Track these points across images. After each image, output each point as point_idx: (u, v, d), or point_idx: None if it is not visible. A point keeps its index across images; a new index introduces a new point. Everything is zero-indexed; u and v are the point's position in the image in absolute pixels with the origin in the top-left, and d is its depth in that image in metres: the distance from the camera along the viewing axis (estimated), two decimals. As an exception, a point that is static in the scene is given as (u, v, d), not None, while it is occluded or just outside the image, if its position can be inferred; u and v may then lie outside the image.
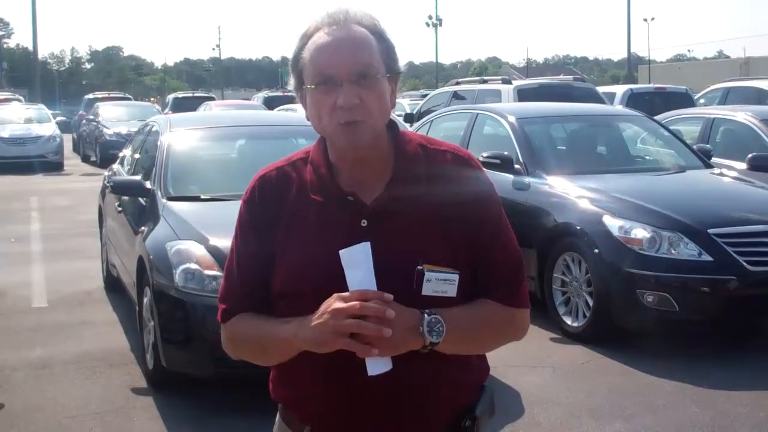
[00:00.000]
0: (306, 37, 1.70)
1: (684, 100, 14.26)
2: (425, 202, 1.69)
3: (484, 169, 1.78)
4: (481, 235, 1.72)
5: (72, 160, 23.10)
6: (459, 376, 1.74)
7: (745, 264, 5.49)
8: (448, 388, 1.72)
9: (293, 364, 1.72)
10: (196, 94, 31.31)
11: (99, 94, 31.17)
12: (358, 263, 1.59)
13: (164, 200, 5.53)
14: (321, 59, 1.65)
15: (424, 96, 20.56)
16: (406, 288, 1.63)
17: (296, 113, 10.88)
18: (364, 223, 1.67)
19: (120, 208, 6.40)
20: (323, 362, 1.65)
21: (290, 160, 1.81)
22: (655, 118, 8.75)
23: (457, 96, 13.99)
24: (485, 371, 1.84)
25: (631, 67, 54.24)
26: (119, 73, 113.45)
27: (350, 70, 1.63)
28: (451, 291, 1.65)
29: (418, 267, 1.63)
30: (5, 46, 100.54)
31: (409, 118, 15.31)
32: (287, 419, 1.80)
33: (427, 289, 1.63)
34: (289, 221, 1.73)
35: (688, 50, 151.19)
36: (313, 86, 1.66)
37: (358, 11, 1.71)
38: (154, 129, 6.77)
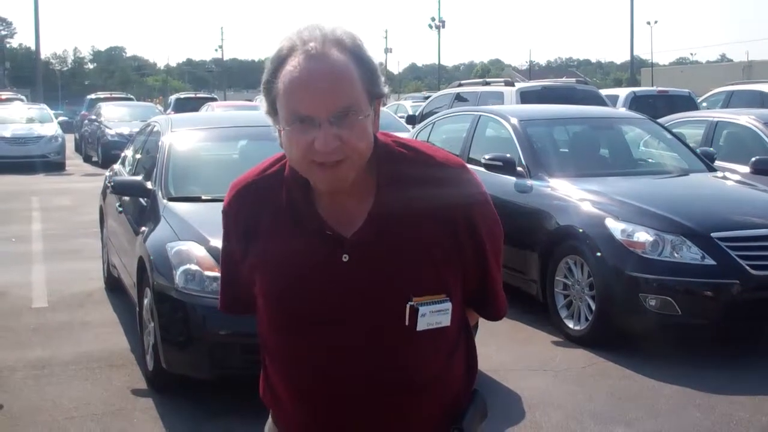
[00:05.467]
0: (279, 60, 1.50)
1: (687, 103, 14.23)
2: (411, 226, 1.57)
3: (480, 176, 1.70)
4: (474, 246, 1.64)
5: (74, 161, 23.13)
6: (439, 400, 1.68)
7: (747, 268, 5.47)
8: (426, 413, 1.65)
9: (274, 377, 1.72)
10: (198, 95, 31.27)
11: (101, 95, 31.25)
12: None
13: (165, 201, 5.52)
14: (296, 98, 1.46)
15: (427, 98, 20.54)
16: (397, 323, 1.56)
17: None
18: (345, 257, 1.56)
19: (121, 209, 6.38)
20: (300, 381, 1.64)
21: (265, 172, 1.65)
22: (658, 121, 8.75)
23: (459, 98, 13.96)
24: (472, 380, 1.77)
25: (633, 70, 54.26)
26: (122, 73, 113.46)
27: (329, 111, 1.45)
28: (445, 321, 1.60)
29: (411, 303, 1.55)
30: (8, 45, 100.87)
31: (412, 119, 15.32)
32: (276, 421, 1.80)
33: (422, 324, 1.57)
34: (264, 245, 1.61)
35: (691, 53, 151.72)
36: (288, 128, 1.48)
37: (336, 29, 1.50)
38: (155, 129, 6.75)
